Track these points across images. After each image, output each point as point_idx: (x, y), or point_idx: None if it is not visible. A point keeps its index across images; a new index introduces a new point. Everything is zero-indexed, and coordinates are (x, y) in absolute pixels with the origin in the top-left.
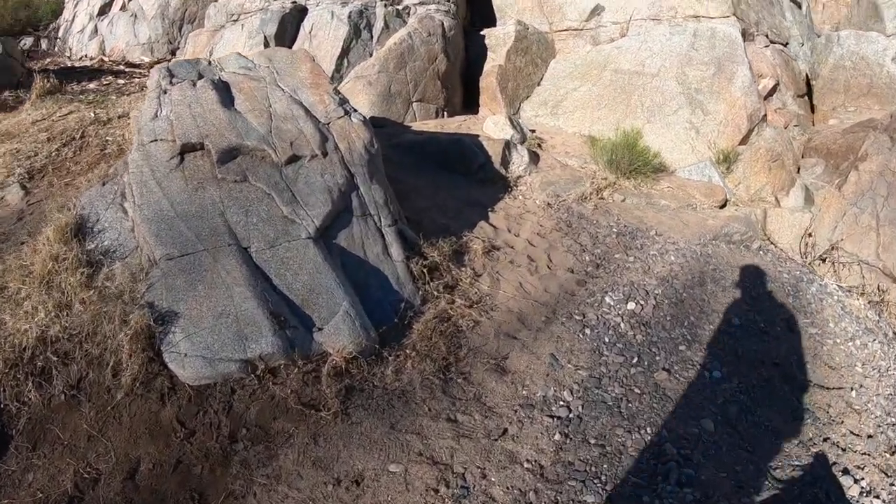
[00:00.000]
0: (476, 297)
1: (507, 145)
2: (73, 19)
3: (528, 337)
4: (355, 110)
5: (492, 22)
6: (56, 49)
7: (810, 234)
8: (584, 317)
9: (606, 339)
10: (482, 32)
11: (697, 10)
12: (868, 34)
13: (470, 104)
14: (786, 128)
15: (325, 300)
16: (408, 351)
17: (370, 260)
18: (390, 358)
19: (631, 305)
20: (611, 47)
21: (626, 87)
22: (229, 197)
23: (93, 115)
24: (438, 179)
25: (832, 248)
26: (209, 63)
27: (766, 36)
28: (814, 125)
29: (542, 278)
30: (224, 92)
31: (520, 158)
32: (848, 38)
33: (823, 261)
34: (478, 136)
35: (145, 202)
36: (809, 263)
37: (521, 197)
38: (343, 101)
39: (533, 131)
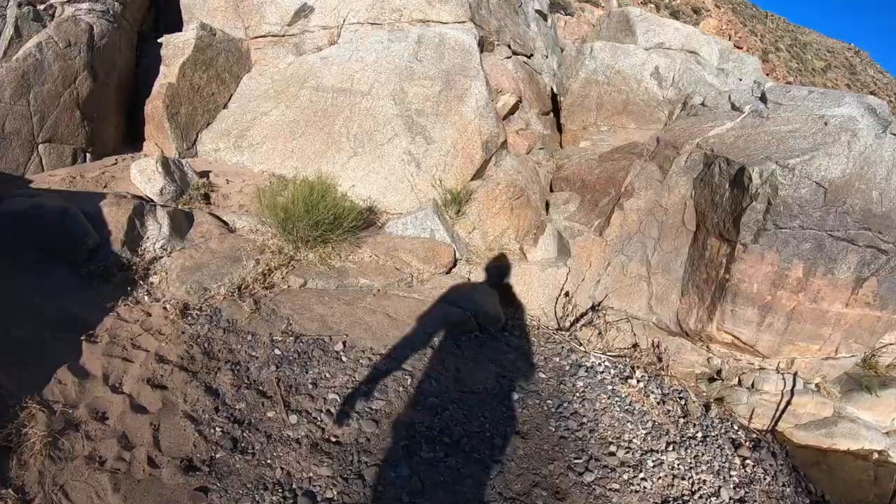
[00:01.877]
0: None
1: (138, 212)
2: None
3: None
4: None
5: (181, 26)
6: None
7: (567, 294)
8: None
9: None
10: (160, 40)
11: (427, 14)
12: (625, 46)
13: (137, 138)
14: (528, 152)
15: None
16: None
17: None
18: None
19: None
20: (315, 58)
21: (328, 109)
22: None
23: None
24: (21, 280)
25: (595, 308)
26: None
27: (509, 46)
28: (562, 147)
29: (135, 490)
30: None
31: (157, 230)
32: (602, 50)
33: (587, 324)
34: (105, 196)
35: None
36: (570, 334)
37: (146, 299)
38: None
39: (205, 175)
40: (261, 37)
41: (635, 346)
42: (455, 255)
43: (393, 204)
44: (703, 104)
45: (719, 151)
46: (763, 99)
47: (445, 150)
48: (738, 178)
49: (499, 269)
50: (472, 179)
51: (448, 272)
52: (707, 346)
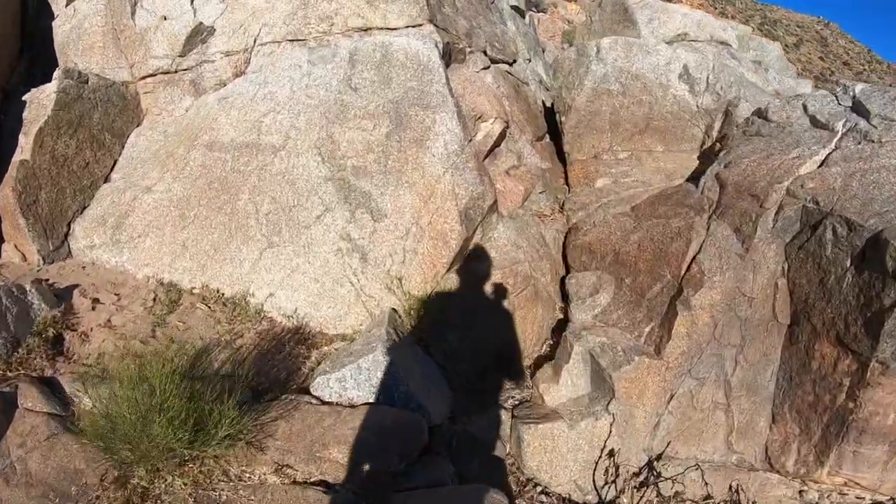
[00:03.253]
0: None
1: None
2: None
3: None
4: None
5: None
6: None
7: (612, 452)
8: None
9: None
10: (25, 97)
11: (369, 19)
12: (642, 42)
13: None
14: (526, 200)
15: None
16: None
17: None
18: None
19: None
20: (214, 99)
21: (228, 177)
22: None
23: None
24: None
25: (653, 467)
26: None
27: (485, 52)
28: (569, 186)
29: None
30: None
31: None
32: (612, 48)
33: (639, 488)
34: None
35: None
36: None
37: None
38: None
39: (67, 295)
40: (149, 76)
41: (708, 498)
42: (427, 429)
43: (330, 320)
44: (764, 117)
45: (828, 204)
46: (858, 110)
47: (403, 228)
48: (872, 255)
49: (502, 426)
50: (448, 271)
51: (421, 455)
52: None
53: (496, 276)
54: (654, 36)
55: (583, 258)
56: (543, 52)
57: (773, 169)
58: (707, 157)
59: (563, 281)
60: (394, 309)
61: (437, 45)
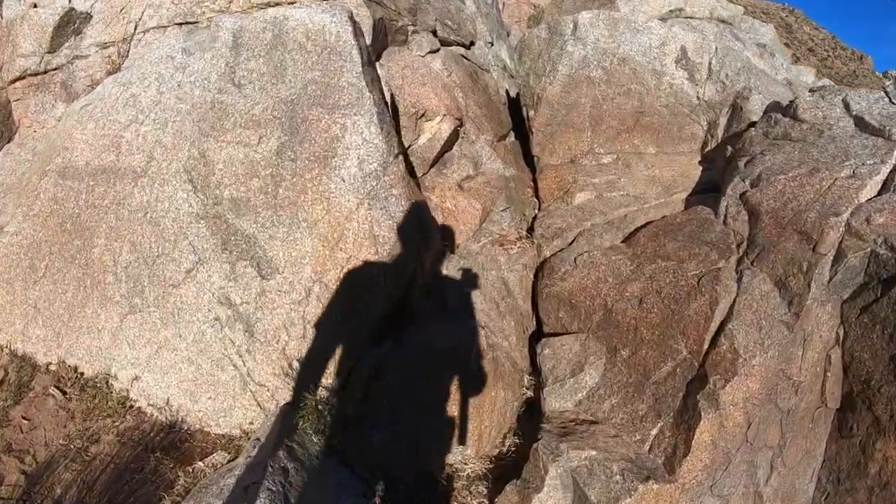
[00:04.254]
0: None
1: None
2: None
3: None
4: None
5: None
6: None
7: None
8: None
9: None
10: None
11: None
12: (631, 19)
13: None
14: (484, 221)
15: None
16: None
17: None
18: None
19: None
20: (79, 107)
21: (81, 214)
22: None
23: None
24: None
25: None
26: None
27: (435, 33)
28: (540, 200)
29: None
30: None
31: None
32: (593, 25)
33: None
34: None
35: None
36: None
37: None
38: None
39: None
40: (18, 79)
41: None
42: None
43: (211, 414)
44: (792, 116)
45: None
46: None
47: (302, 288)
48: None
49: None
50: (369, 346)
51: None
52: None
53: (440, 351)
54: (636, 13)
55: (560, 314)
56: (508, 35)
57: (822, 192)
58: (712, 161)
59: (531, 340)
60: (291, 403)
61: (350, 19)
